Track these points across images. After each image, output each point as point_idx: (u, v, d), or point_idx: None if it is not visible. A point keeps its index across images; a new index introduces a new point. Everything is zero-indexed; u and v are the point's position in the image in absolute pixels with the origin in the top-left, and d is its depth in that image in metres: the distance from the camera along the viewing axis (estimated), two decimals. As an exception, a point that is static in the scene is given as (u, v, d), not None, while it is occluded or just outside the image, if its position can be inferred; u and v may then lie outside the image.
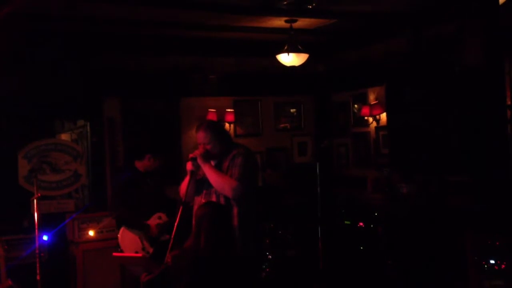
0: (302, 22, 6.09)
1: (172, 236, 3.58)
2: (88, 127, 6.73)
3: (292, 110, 8.11)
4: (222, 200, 3.92)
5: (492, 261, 3.43)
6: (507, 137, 4.22)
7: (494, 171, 3.98)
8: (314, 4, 5.26)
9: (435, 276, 4.57)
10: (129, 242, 4.63)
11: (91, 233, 5.74)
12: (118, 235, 4.69)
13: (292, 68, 6.38)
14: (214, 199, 3.95)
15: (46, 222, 5.40)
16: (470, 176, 4.18)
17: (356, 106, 7.49)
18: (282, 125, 8.05)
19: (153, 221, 4.73)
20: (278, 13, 5.68)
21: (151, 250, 4.62)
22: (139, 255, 4.39)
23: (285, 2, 5.27)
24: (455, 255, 4.06)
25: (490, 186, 4.00)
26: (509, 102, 4.34)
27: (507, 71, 4.51)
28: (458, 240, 4.05)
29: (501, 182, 4.11)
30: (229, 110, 7.46)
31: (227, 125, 7.43)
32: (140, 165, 4.92)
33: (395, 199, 5.72)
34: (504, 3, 3.89)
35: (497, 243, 3.48)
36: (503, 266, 3.39)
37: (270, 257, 5.66)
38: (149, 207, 4.78)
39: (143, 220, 4.70)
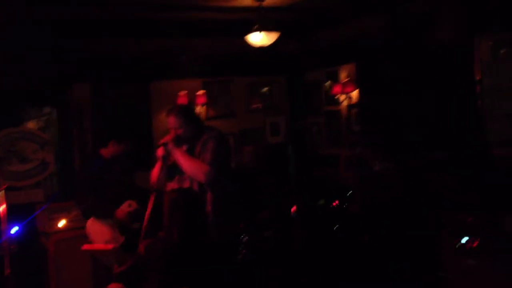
0: (271, 0, 5.98)
1: (144, 225, 3.51)
2: (55, 114, 6.56)
3: (264, 90, 8.04)
4: (195, 186, 3.86)
5: (465, 239, 3.45)
6: (477, 112, 4.24)
7: (468, 146, 4.00)
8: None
9: (411, 255, 4.60)
10: (98, 233, 4.52)
11: (62, 223, 5.59)
12: (87, 226, 4.58)
13: (264, 48, 6.29)
14: (187, 184, 3.89)
15: (15, 214, 5.24)
16: (444, 152, 4.20)
17: (328, 83, 7.45)
18: (255, 106, 7.97)
19: (123, 209, 4.62)
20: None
21: (121, 239, 4.52)
22: (110, 246, 4.29)
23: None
24: (430, 232, 4.08)
25: (464, 161, 4.02)
26: (478, 77, 4.36)
27: (476, 48, 4.53)
28: (433, 217, 4.07)
29: (475, 156, 4.14)
30: (200, 92, 7.35)
31: (199, 107, 7.33)
32: (105, 152, 4.79)
33: (367, 177, 5.74)
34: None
35: (470, 219, 3.50)
36: (474, 244, 3.41)
37: (246, 239, 5.62)
38: (118, 195, 4.66)
39: (111, 209, 4.59)
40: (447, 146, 4.12)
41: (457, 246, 3.48)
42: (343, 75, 7.15)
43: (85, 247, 4.27)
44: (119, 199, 4.66)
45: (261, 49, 6.29)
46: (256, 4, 5.94)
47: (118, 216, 4.55)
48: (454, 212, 3.78)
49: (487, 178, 3.83)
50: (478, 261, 3.48)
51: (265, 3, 5.94)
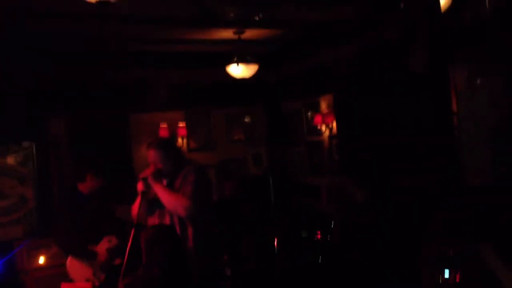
0: (250, 33, 6.06)
1: (125, 261, 3.45)
2: (34, 149, 6.47)
3: (246, 120, 8.06)
4: (176, 220, 3.82)
5: (447, 272, 3.42)
6: (454, 142, 4.30)
7: (444, 175, 4.04)
8: (261, 15, 5.26)
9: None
10: (78, 270, 4.44)
11: (42, 260, 5.49)
12: (66, 264, 4.49)
13: (243, 79, 6.34)
14: (167, 219, 3.86)
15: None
16: (422, 182, 4.23)
17: (310, 114, 7.50)
18: (236, 137, 7.98)
19: (103, 245, 4.54)
20: (225, 25, 5.64)
21: (102, 276, 4.43)
22: (88, 284, 4.21)
23: (231, 14, 5.24)
24: (412, 265, 4.07)
25: (440, 191, 4.05)
26: (455, 107, 4.43)
27: (451, 76, 4.61)
28: (414, 248, 4.07)
29: (451, 186, 4.17)
30: (181, 124, 7.34)
31: (179, 140, 7.31)
32: (83, 187, 4.72)
33: (349, 207, 5.74)
34: (446, 10, 3.98)
35: (452, 251, 3.50)
36: (457, 277, 3.39)
37: (229, 273, 5.57)
38: (97, 231, 4.59)
39: (91, 245, 4.51)
40: (425, 175, 4.16)
41: (440, 281, 3.45)
42: (323, 105, 7.22)
43: (64, 286, 4.18)
44: (98, 234, 4.59)
45: (241, 80, 6.35)
46: (235, 37, 6.02)
47: (98, 252, 4.48)
48: (433, 244, 3.78)
49: (463, 208, 3.85)
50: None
51: (243, 36, 6.02)
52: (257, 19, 5.20)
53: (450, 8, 3.99)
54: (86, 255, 4.47)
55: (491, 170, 4.65)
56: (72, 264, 4.47)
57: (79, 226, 4.52)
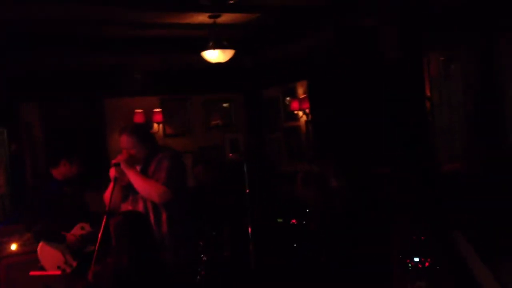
0: (226, 17, 6.00)
1: (96, 248, 3.40)
2: (5, 134, 6.35)
3: (224, 105, 8.02)
4: (149, 206, 3.77)
5: (416, 259, 3.43)
6: (428, 128, 4.32)
7: (418, 163, 4.06)
8: (235, -1, 5.21)
9: (367, 274, 4.62)
10: (50, 257, 4.36)
11: (13, 246, 5.40)
12: (38, 250, 4.41)
13: (220, 64, 6.28)
14: (141, 205, 3.80)
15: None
16: (396, 167, 4.25)
17: (288, 99, 7.49)
18: (214, 123, 7.94)
19: (75, 232, 4.48)
20: (200, 9, 5.58)
21: (74, 263, 4.37)
22: (59, 272, 4.13)
23: (206, -3, 5.18)
24: (384, 251, 4.10)
25: (413, 177, 4.08)
26: (428, 93, 4.44)
27: (425, 62, 4.62)
28: (386, 235, 4.09)
29: (423, 172, 4.20)
30: (156, 110, 7.27)
31: (155, 125, 7.24)
32: (56, 172, 4.63)
33: (325, 193, 5.76)
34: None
35: (422, 237, 3.51)
36: (426, 264, 3.40)
37: (205, 259, 5.55)
38: (70, 218, 4.52)
39: (63, 232, 4.44)
40: (398, 162, 4.18)
41: (410, 267, 3.47)
42: (300, 91, 7.21)
43: (33, 273, 4.10)
44: (71, 221, 4.52)
45: (217, 65, 6.29)
46: (210, 21, 5.95)
47: (70, 239, 4.41)
48: (404, 231, 3.80)
49: (436, 195, 3.88)
50: (428, 282, 3.46)
51: (218, 20, 5.96)
52: (232, 2, 5.14)
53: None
54: (58, 241, 4.40)
55: (465, 156, 4.71)
56: (44, 251, 4.40)
57: (52, 213, 4.44)
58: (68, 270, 4.29)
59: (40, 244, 4.42)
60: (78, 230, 4.50)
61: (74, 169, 4.65)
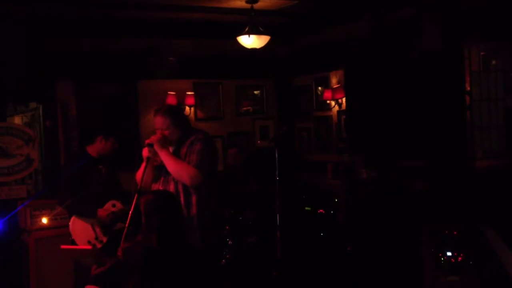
0: (263, 3, 5.95)
1: (126, 226, 3.44)
2: (41, 110, 6.47)
3: (256, 92, 8.00)
4: (180, 188, 3.81)
5: (449, 253, 3.38)
6: (465, 123, 4.23)
7: (453, 157, 3.98)
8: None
9: (394, 266, 4.57)
10: (81, 232, 4.45)
11: (44, 220, 5.50)
12: (69, 225, 4.50)
13: (253, 50, 6.25)
14: (172, 186, 3.84)
15: (-3, 209, 5.17)
16: (429, 162, 4.17)
17: (320, 88, 7.43)
18: (244, 109, 7.93)
19: (107, 208, 4.56)
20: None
21: (104, 239, 4.45)
22: (89, 247, 4.21)
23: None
24: (413, 243, 4.04)
25: (448, 172, 4.00)
26: (468, 88, 4.35)
27: (466, 56, 4.51)
28: (416, 228, 4.04)
29: (459, 167, 4.12)
30: (189, 93, 7.29)
31: (187, 108, 7.27)
32: (92, 149, 4.71)
33: (354, 184, 5.70)
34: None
35: (455, 232, 3.45)
36: (459, 258, 3.34)
37: (231, 243, 5.59)
38: (102, 194, 4.59)
39: (95, 208, 4.51)
40: (432, 156, 4.10)
41: (442, 261, 3.41)
42: (334, 81, 7.14)
43: (64, 246, 4.19)
44: (103, 198, 4.59)
45: (251, 52, 6.26)
46: (247, 6, 5.92)
47: (101, 215, 4.49)
48: (436, 225, 3.74)
49: (470, 190, 3.80)
50: (461, 277, 3.41)
51: (256, 6, 5.92)
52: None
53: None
54: (89, 216, 4.48)
55: (503, 152, 4.60)
56: (75, 225, 4.48)
57: (85, 189, 4.52)
58: (99, 245, 4.38)
59: (72, 218, 4.51)
60: (109, 207, 4.57)
61: (109, 147, 4.73)
